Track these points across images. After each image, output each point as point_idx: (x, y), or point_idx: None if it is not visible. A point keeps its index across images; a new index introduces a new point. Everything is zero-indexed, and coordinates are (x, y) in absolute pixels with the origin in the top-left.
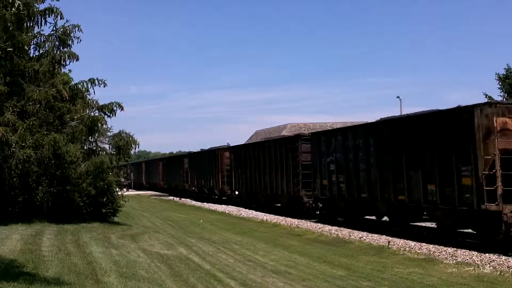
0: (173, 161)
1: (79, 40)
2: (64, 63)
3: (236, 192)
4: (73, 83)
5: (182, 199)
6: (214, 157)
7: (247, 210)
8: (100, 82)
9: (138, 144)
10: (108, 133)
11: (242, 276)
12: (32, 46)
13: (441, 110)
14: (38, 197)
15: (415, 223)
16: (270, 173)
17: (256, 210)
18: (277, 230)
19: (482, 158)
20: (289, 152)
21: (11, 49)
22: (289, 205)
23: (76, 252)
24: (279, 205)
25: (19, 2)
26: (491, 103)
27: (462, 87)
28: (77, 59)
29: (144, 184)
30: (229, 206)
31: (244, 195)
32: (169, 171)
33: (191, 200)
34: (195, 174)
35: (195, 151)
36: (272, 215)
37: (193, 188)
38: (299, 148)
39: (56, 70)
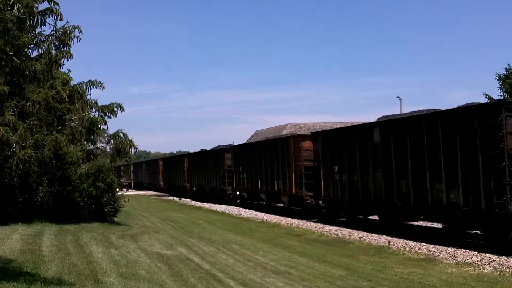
0: (206, 157)
1: (78, 39)
2: (60, 62)
3: (320, 202)
4: (72, 83)
5: (182, 199)
6: (284, 148)
7: (247, 210)
8: (98, 84)
9: (137, 149)
10: (105, 134)
11: (242, 276)
12: (32, 46)
13: None
14: (38, 197)
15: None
16: (414, 171)
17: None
18: (277, 230)
19: None
20: (476, 134)
21: (11, 53)
22: (463, 225)
23: (76, 252)
24: (440, 225)
25: (19, 5)
26: None
27: (462, 87)
28: (71, 57)
29: (162, 185)
30: (230, 206)
31: (347, 206)
32: (198, 170)
33: (191, 200)
34: (243, 174)
35: (240, 143)
36: (272, 215)
37: (239, 192)
38: (503, 125)
39: (54, 70)
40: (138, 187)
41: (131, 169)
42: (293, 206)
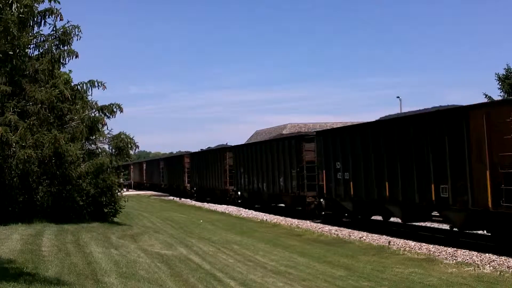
0: (265, 150)
1: (79, 37)
2: (63, 61)
3: None
4: (73, 83)
5: (182, 199)
6: (458, 126)
7: (247, 210)
8: (99, 84)
9: (138, 146)
10: (108, 135)
11: (242, 276)
12: (32, 46)
13: None
14: (38, 197)
15: None
16: None
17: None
18: (277, 230)
19: None
20: None
21: (11, 52)
22: None
23: (76, 252)
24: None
25: (18, 4)
26: None
27: (462, 87)
28: (77, 56)
29: (188, 188)
30: (230, 206)
31: None
32: (249, 168)
33: (191, 200)
34: (344, 174)
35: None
36: (272, 215)
37: (331, 200)
38: None
39: (56, 70)
40: (153, 188)
41: (144, 167)
42: (475, 229)
